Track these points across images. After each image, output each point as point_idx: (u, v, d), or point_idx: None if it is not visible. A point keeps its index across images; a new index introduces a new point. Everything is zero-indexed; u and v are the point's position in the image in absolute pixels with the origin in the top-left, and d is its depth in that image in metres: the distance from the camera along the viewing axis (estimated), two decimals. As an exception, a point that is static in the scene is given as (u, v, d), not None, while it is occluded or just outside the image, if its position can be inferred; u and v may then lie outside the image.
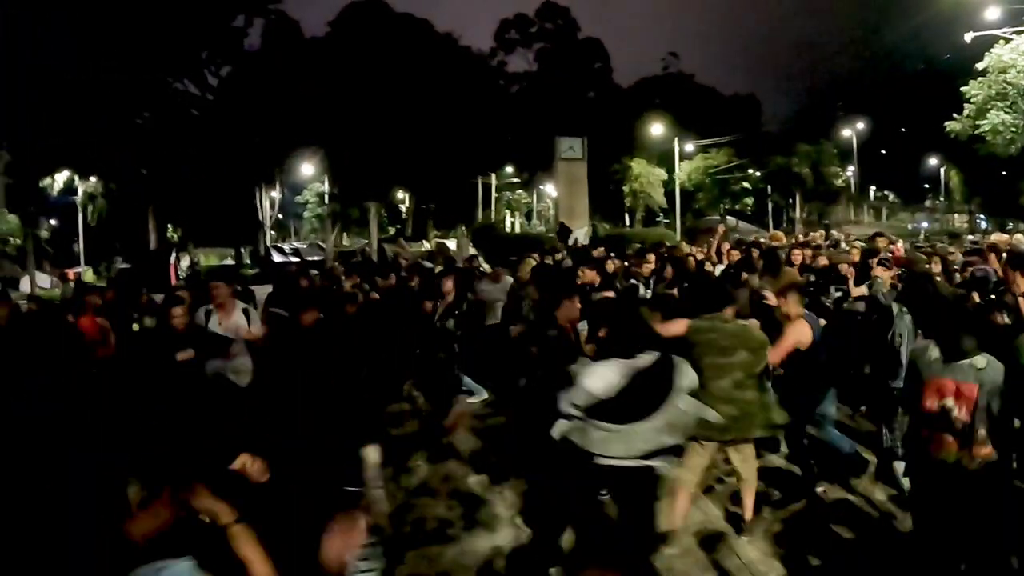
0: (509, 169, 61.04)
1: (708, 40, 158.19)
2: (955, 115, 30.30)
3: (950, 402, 4.56)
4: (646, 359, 4.83)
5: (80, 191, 49.23)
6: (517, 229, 64.09)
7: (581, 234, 30.28)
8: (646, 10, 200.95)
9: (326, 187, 53.39)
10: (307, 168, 51.14)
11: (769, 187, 60.06)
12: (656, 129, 52.24)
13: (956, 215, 75.33)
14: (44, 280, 43.70)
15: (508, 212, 69.24)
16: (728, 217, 56.78)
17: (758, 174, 58.75)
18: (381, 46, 45.87)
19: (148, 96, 26.02)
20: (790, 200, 62.43)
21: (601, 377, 4.74)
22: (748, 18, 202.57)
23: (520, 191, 69.30)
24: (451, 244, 46.42)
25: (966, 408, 4.51)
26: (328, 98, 43.01)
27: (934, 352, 4.71)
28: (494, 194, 63.50)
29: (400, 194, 58.97)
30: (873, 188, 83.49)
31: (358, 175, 45.23)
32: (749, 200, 60.78)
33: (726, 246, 13.85)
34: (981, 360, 4.53)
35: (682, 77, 67.84)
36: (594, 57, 63.93)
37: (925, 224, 70.66)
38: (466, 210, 57.39)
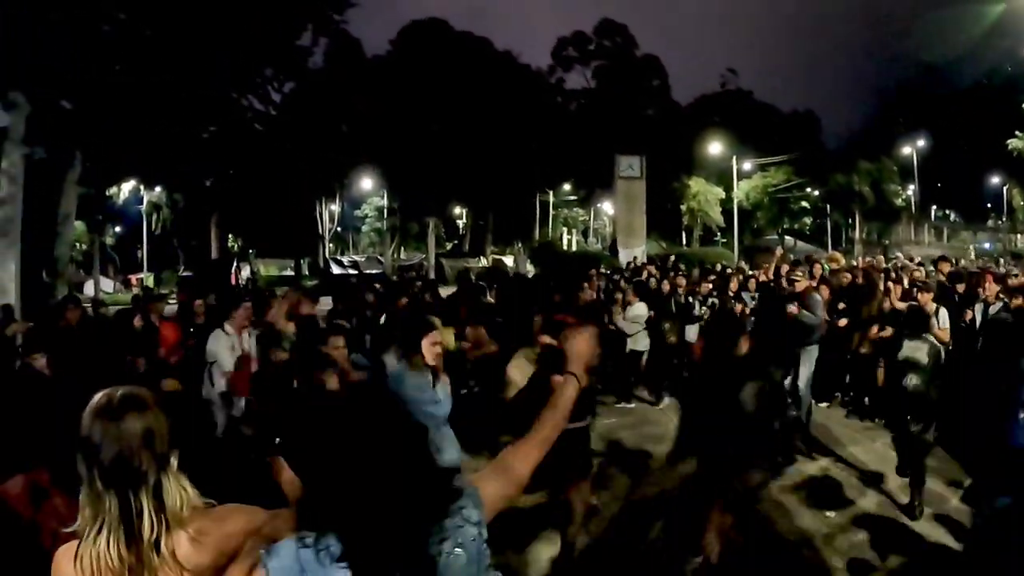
0: (567, 186, 61.02)
1: (766, 56, 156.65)
2: (1017, 132, 29.71)
3: None
4: None
5: (145, 200, 50.38)
6: (574, 247, 64.01)
7: (639, 252, 30.37)
8: (704, 26, 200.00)
9: (385, 201, 53.96)
10: (367, 182, 51.76)
11: (828, 206, 59.18)
12: (714, 147, 51.83)
13: (1020, 235, 73.34)
14: (108, 285, 44.80)
15: (565, 229, 69.24)
16: (787, 237, 56.13)
17: (817, 193, 57.95)
18: (441, 64, 46.32)
19: (214, 111, 26.47)
20: (850, 219, 61.41)
21: None
22: (806, 34, 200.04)
23: (577, 208, 69.21)
24: (508, 260, 46.60)
25: None
26: (389, 115, 43.55)
27: None
28: (551, 211, 63.58)
29: (458, 210, 59.36)
30: (934, 207, 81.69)
31: (417, 190, 45.65)
32: (808, 219, 59.98)
33: (785, 267, 13.76)
34: None
35: (740, 94, 67.02)
36: (652, 74, 63.63)
37: (988, 244, 68.74)
38: (524, 227, 57.54)
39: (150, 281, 42.42)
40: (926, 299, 8.97)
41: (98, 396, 2.36)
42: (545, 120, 50.44)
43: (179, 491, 2.36)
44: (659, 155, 45.49)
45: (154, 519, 2.29)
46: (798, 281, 10.29)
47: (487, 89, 46.66)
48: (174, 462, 2.40)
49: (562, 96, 60.99)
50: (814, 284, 11.12)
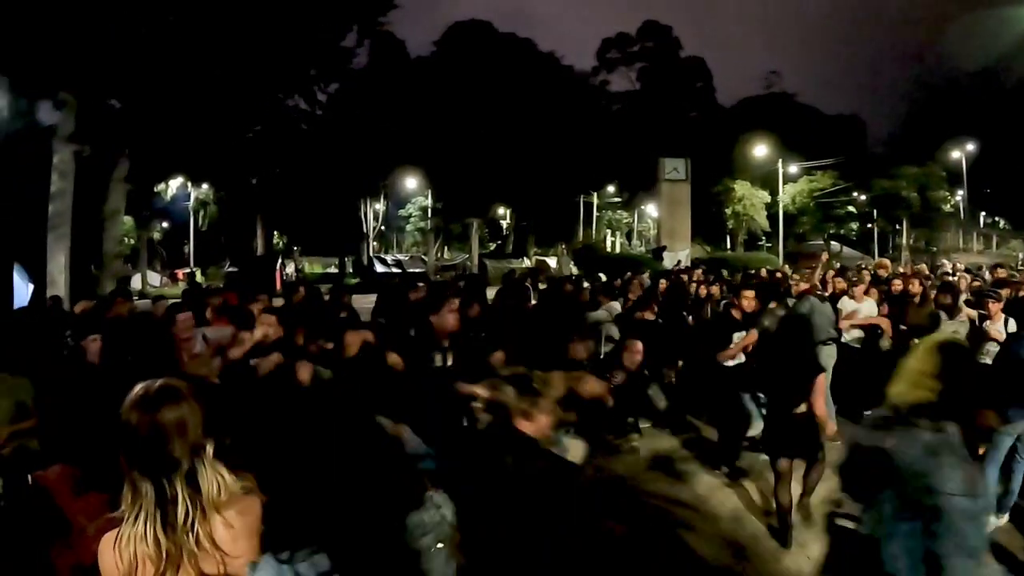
0: (611, 188, 60.74)
1: (810, 58, 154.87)
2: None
3: None
4: None
5: (192, 197, 51.03)
6: (617, 249, 63.64)
7: (683, 255, 30.18)
8: (748, 27, 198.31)
9: (429, 201, 54.21)
10: (411, 182, 52.03)
11: (875, 211, 58.28)
12: (759, 150, 51.24)
13: (1072, 243, 71.43)
14: (155, 279, 45.50)
15: (609, 231, 68.90)
16: (832, 242, 55.40)
17: (863, 198, 57.11)
18: (485, 65, 46.43)
19: (260, 110, 26.86)
20: (896, 225, 60.36)
21: None
22: (851, 35, 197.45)
23: (621, 211, 68.86)
24: (551, 262, 46.55)
25: None
26: (432, 115, 43.73)
27: None
28: (595, 213, 63.38)
29: (501, 210, 59.42)
30: (983, 214, 79.85)
31: (461, 191, 45.80)
32: (854, 225, 59.15)
33: (831, 274, 13.51)
34: None
35: (784, 96, 66.23)
36: (696, 76, 63.26)
37: (1035, 253, 66.85)
38: (567, 228, 57.42)
39: (198, 276, 42.93)
40: (995, 309, 8.72)
41: (136, 387, 2.46)
42: (588, 122, 50.30)
43: (215, 478, 2.43)
44: (703, 158, 45.17)
45: (189, 505, 2.36)
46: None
47: (530, 90, 46.68)
48: (209, 450, 2.47)
49: (606, 98, 60.82)
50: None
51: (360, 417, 2.21)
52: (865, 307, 10.63)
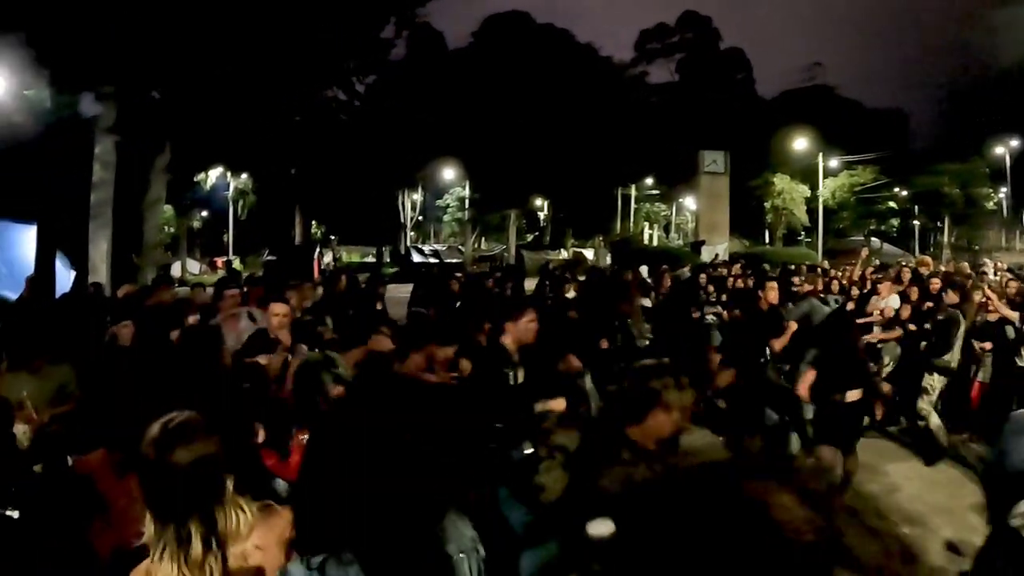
0: (649, 181, 60.27)
1: (853, 50, 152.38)
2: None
3: None
4: None
5: (232, 186, 51.50)
6: (655, 242, 63.26)
7: (721, 249, 29.93)
8: (789, 19, 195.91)
9: (467, 192, 54.30)
10: (449, 173, 52.11)
11: (916, 208, 57.34)
12: (799, 144, 50.57)
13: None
14: (194, 266, 46.07)
15: (646, 224, 68.42)
16: (872, 238, 54.67)
17: (904, 193, 56.22)
18: (523, 56, 46.34)
19: (299, 102, 27.03)
20: (938, 223, 59.33)
21: None
22: (894, 28, 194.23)
23: (659, 203, 68.35)
24: (588, 254, 46.51)
25: None
26: (470, 107, 43.74)
27: None
28: (633, 205, 63.04)
29: (539, 202, 59.32)
30: (1027, 212, 77.91)
31: (498, 182, 45.78)
32: (895, 221, 58.30)
33: (870, 270, 13.37)
34: None
35: (826, 89, 65.26)
36: (736, 67, 62.61)
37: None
38: (604, 220, 57.13)
39: (236, 264, 43.32)
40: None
41: (152, 427, 2.43)
42: (627, 113, 49.99)
43: (236, 513, 2.43)
44: (742, 151, 44.68)
45: (212, 544, 2.35)
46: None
47: (568, 82, 46.50)
48: (229, 485, 2.45)
49: (644, 89, 60.26)
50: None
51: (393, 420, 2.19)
52: (890, 303, 10.67)
